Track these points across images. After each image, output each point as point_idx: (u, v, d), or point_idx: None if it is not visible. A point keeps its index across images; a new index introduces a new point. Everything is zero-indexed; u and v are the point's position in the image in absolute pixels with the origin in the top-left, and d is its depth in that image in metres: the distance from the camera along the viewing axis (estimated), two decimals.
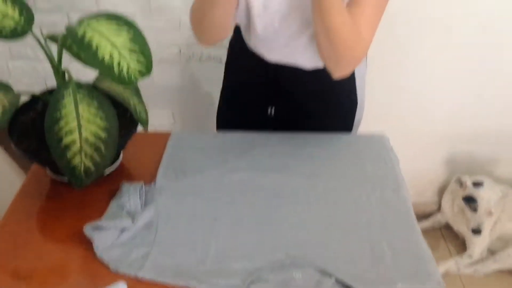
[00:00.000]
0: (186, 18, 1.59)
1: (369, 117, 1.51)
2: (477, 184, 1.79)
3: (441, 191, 2.06)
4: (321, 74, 1.10)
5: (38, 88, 1.74)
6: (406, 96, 1.77)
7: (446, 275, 1.85)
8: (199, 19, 1.02)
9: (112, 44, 0.84)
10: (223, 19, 1.01)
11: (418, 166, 1.93)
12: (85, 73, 0.98)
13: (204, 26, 1.02)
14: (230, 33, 1.10)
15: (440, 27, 1.59)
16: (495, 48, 1.63)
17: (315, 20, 0.94)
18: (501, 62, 1.66)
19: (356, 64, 1.02)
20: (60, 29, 1.61)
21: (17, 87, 1.72)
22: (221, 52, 1.66)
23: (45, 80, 1.74)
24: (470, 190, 1.79)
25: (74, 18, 1.61)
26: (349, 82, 1.17)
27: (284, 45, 1.09)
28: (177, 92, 1.80)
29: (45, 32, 0.93)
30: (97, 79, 1.03)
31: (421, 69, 1.70)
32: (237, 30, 1.20)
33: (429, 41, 1.63)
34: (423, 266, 0.84)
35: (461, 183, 1.85)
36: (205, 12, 0.99)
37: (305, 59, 1.11)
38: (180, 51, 1.70)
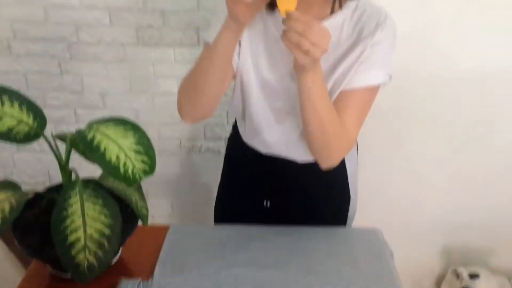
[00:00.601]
0: None
1: (363, 208, 1.55)
2: (473, 276, 1.79)
3: (439, 281, 2.04)
4: (314, 169, 1.14)
5: (41, 179, 1.80)
6: (399, 186, 1.83)
7: None
8: (191, 88, 1.06)
9: (119, 146, 0.90)
10: (214, 89, 1.04)
11: (414, 257, 1.93)
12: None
13: (194, 96, 1.05)
14: (213, 114, 1.12)
15: (429, 120, 1.68)
16: (486, 140, 1.71)
17: (302, 114, 0.99)
18: (493, 153, 1.73)
19: (342, 155, 1.08)
20: (67, 123, 1.71)
21: (20, 178, 1.79)
22: (220, 144, 1.74)
23: (48, 170, 1.80)
24: (467, 282, 1.79)
25: (81, 114, 1.71)
26: (342, 178, 1.22)
27: (277, 139, 1.16)
28: (176, 182, 1.85)
29: (52, 125, 0.99)
30: (102, 176, 1.08)
31: (413, 160, 1.76)
32: (235, 126, 1.28)
33: (420, 133, 1.71)
34: None
35: (457, 275, 1.84)
36: (198, 80, 1.03)
37: (298, 153, 1.17)
38: (180, 143, 1.77)
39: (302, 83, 0.94)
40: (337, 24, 1.02)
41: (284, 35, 0.84)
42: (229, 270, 1.06)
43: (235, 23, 0.94)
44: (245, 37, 1.08)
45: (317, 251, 1.12)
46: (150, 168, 0.93)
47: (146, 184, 1.76)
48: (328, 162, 1.07)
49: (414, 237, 1.91)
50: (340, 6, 1.02)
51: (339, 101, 1.03)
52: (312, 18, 0.85)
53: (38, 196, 1.12)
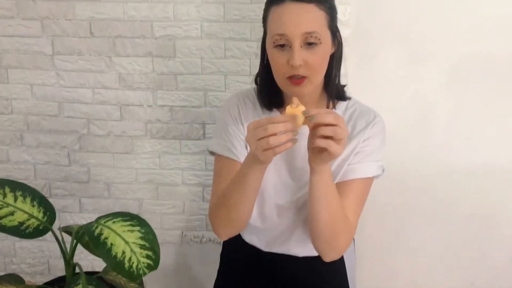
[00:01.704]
0: (190, 203, 1.72)
1: None
2: None
3: None
4: (313, 263, 1.16)
5: (40, 268, 1.79)
6: (399, 282, 1.79)
7: None
8: (225, 214, 1.07)
9: (125, 242, 0.92)
10: (248, 211, 1.07)
11: None
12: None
13: (229, 221, 1.08)
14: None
15: (428, 215, 1.69)
16: (487, 236, 1.70)
17: (314, 207, 1.01)
18: (493, 248, 1.72)
19: (347, 246, 1.09)
20: (70, 212, 1.72)
21: (20, 267, 1.77)
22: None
23: (48, 260, 1.78)
24: None
25: (85, 202, 1.73)
26: (340, 272, 1.22)
27: (279, 236, 1.17)
28: (176, 274, 1.82)
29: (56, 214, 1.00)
30: (104, 271, 1.08)
31: (413, 255, 1.75)
32: None
33: (419, 228, 1.71)
34: None
35: None
36: (232, 208, 1.05)
37: (299, 247, 1.18)
38: (182, 233, 1.78)
39: (321, 174, 0.96)
40: None
41: (315, 133, 0.87)
42: None
43: (262, 165, 0.96)
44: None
45: None
46: (154, 263, 0.94)
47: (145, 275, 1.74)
48: (334, 254, 1.08)
49: None
50: (334, 106, 1.11)
51: (340, 194, 1.06)
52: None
53: None
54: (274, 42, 1.00)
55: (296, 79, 1.00)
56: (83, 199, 1.73)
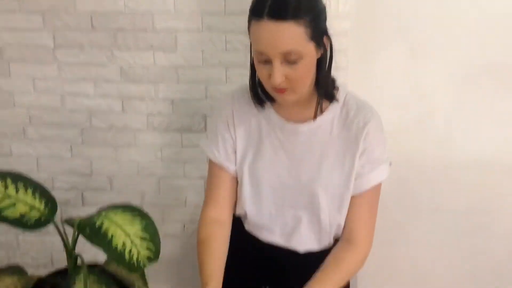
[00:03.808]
0: (191, 197, 1.73)
1: None
2: None
3: None
4: (313, 257, 1.16)
5: (43, 261, 1.80)
6: (400, 274, 1.80)
7: None
8: None
9: (125, 234, 0.92)
10: None
11: None
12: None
13: None
14: None
15: (429, 208, 1.69)
16: (488, 229, 1.70)
17: None
18: (494, 241, 1.72)
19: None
20: (73, 205, 1.73)
21: (23, 260, 1.78)
22: None
23: (52, 253, 1.79)
24: None
25: (88, 196, 1.74)
26: None
27: (280, 231, 1.18)
28: (178, 266, 1.83)
29: (58, 208, 1.01)
30: (107, 261, 1.09)
31: (414, 248, 1.75)
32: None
33: (421, 221, 1.71)
34: None
35: None
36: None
37: (299, 243, 1.18)
38: (184, 227, 1.78)
39: None
40: (327, 120, 1.11)
41: None
42: None
43: None
44: (240, 138, 1.16)
45: None
46: (155, 255, 0.95)
47: (148, 268, 1.75)
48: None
49: None
50: (321, 111, 1.11)
51: (349, 209, 1.10)
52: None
53: (41, 281, 1.13)
54: (257, 57, 1.01)
55: (280, 89, 1.01)
56: (85, 193, 1.74)
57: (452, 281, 1.79)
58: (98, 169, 1.72)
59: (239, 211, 1.22)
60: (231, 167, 1.17)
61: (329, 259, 1.11)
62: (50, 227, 0.97)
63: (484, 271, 1.75)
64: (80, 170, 1.72)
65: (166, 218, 1.76)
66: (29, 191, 0.94)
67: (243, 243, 1.25)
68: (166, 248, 1.79)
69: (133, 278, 1.07)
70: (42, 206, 0.95)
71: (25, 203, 0.92)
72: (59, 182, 1.73)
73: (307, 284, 1.06)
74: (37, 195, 0.95)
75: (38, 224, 0.92)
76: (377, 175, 1.09)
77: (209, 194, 1.19)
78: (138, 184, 1.73)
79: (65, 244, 1.00)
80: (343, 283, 1.09)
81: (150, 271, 1.69)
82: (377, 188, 1.11)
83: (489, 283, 1.77)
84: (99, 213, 0.95)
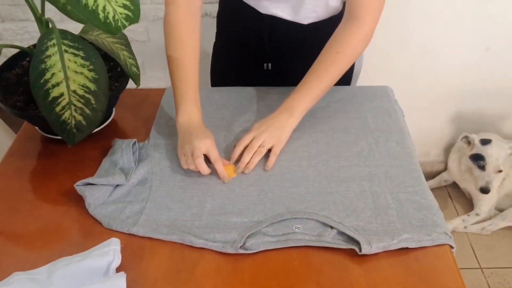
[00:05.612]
0: None
1: (372, 74, 1.45)
2: (484, 142, 1.74)
3: (447, 150, 2.01)
4: (317, 26, 1.05)
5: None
6: (410, 52, 1.70)
7: (453, 233, 1.83)
8: None
9: None
10: None
11: (424, 125, 1.88)
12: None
13: None
14: None
15: None
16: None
17: None
18: (508, 13, 1.58)
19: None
20: None
21: (8, 50, 1.68)
22: (216, 8, 1.59)
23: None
24: (478, 148, 1.74)
25: None
26: None
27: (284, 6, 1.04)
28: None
29: None
30: (83, 30, 0.98)
31: (425, 22, 1.62)
32: None
33: None
34: (429, 216, 0.80)
35: (468, 141, 1.79)
36: None
37: (305, 16, 1.05)
38: None
39: None
40: None
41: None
42: (229, 130, 1.00)
43: None
44: None
45: (323, 110, 1.05)
46: (134, 14, 0.82)
47: (142, 55, 1.66)
48: None
49: (425, 104, 1.83)
50: None
51: None
52: None
53: (20, 55, 1.04)
54: None
55: None
56: None
57: (464, 56, 1.70)
58: None
59: None
60: None
61: (330, 40, 0.98)
62: (29, 14, 0.83)
63: (499, 43, 1.64)
64: None
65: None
66: None
67: (241, 19, 1.13)
68: (159, 32, 1.67)
69: (116, 47, 0.97)
70: None
71: None
72: None
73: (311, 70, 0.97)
74: None
75: None
76: None
77: None
78: None
79: (32, 9, 0.88)
80: (346, 65, 0.97)
81: (146, 57, 1.61)
82: None
83: (500, 59, 1.69)
84: None
